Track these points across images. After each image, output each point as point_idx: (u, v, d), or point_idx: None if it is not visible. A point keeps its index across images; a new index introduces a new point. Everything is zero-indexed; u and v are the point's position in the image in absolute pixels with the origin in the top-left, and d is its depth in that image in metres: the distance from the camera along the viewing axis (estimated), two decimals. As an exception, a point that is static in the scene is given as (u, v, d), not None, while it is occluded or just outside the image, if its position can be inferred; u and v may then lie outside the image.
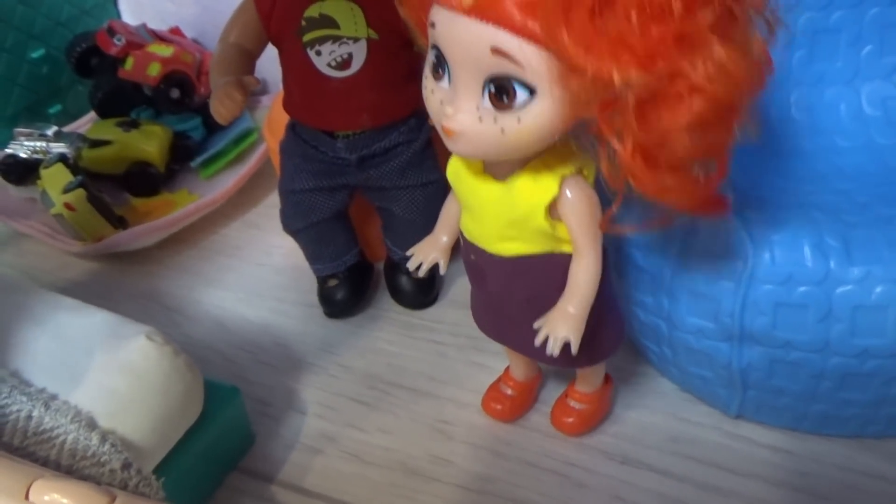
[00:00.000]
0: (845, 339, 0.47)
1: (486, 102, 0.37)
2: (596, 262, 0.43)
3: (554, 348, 0.42)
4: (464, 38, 0.36)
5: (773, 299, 0.47)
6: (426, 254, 0.50)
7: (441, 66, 0.38)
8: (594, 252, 0.42)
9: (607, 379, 0.56)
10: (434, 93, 0.39)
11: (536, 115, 0.36)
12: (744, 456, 0.54)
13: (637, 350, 0.60)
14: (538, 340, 0.43)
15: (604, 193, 0.40)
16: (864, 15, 0.58)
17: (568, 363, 0.49)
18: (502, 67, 0.35)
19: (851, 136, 0.58)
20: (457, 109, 0.37)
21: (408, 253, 0.51)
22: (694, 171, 0.37)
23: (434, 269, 0.50)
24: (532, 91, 0.36)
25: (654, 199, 0.37)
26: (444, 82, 0.38)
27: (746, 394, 0.52)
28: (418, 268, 0.50)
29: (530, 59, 0.35)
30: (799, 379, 0.49)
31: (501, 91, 0.36)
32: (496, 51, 0.35)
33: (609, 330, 0.49)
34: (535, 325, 0.43)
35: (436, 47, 0.38)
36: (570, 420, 0.56)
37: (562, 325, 0.42)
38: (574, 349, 0.42)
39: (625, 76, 0.32)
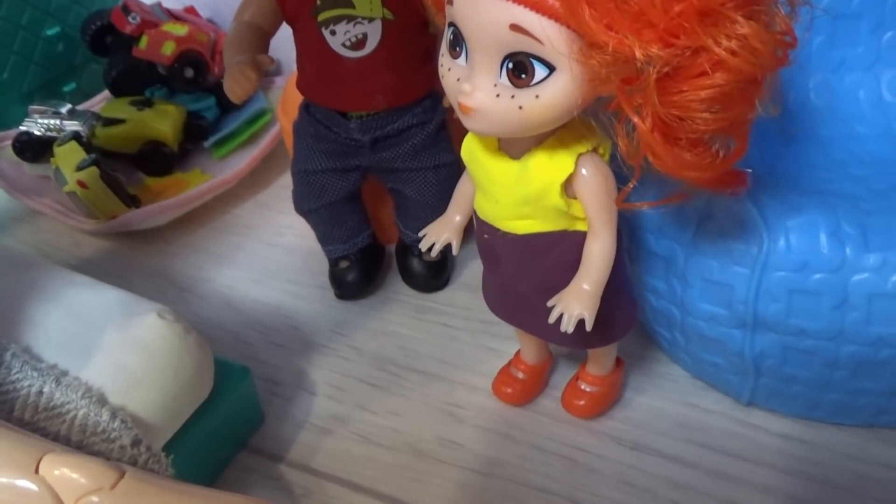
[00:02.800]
0: (860, 328, 0.46)
1: (504, 79, 0.37)
2: (611, 240, 0.43)
3: (568, 325, 0.42)
4: (482, 14, 0.36)
5: (787, 286, 0.47)
6: (439, 234, 0.49)
7: (458, 43, 0.38)
8: (609, 230, 0.42)
9: (618, 362, 0.56)
10: (451, 70, 0.39)
11: (555, 92, 0.36)
12: (755, 444, 0.54)
13: (648, 336, 0.60)
14: (552, 318, 0.43)
15: (620, 171, 0.40)
16: (886, 1, 0.57)
17: (580, 343, 0.49)
18: (521, 44, 0.35)
19: (870, 123, 0.57)
20: (474, 87, 0.37)
21: (420, 233, 0.50)
22: (713, 147, 0.37)
23: (446, 251, 0.50)
24: (551, 68, 0.36)
25: (673, 175, 0.37)
26: (461, 60, 0.38)
27: (759, 381, 0.52)
28: (430, 250, 0.49)
29: (550, 36, 0.34)
30: (812, 367, 0.49)
31: (520, 68, 0.36)
32: (516, 27, 0.35)
33: (622, 311, 0.49)
34: (549, 303, 0.43)
35: (453, 25, 0.38)
36: (581, 403, 0.55)
37: (576, 303, 0.42)
38: (588, 326, 0.42)
39: (647, 52, 0.32)
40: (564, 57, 0.35)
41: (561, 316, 0.42)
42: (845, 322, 0.46)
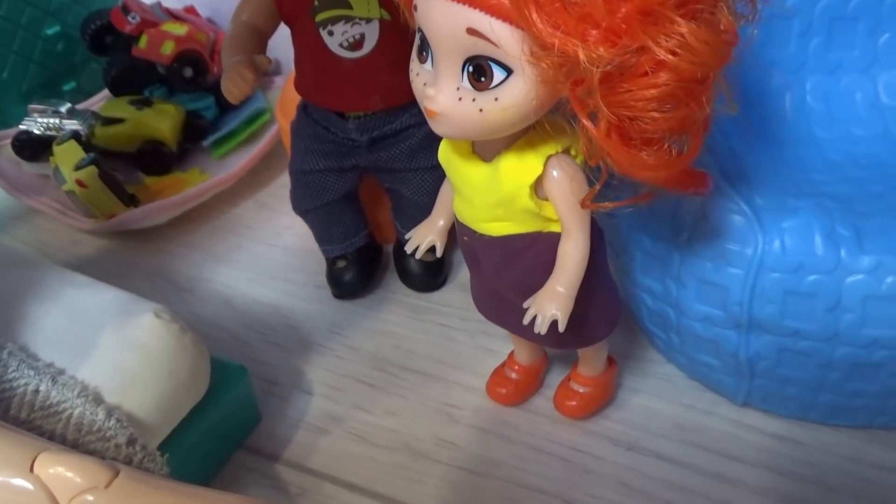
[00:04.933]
0: (854, 329, 0.46)
1: (466, 83, 0.37)
2: (584, 240, 0.43)
3: (541, 327, 0.42)
4: (441, 19, 0.36)
5: (782, 288, 0.47)
6: (423, 236, 0.50)
7: (424, 48, 0.39)
8: (582, 231, 0.42)
9: (611, 362, 0.56)
10: (419, 75, 0.39)
11: (513, 95, 0.37)
12: (750, 445, 0.54)
13: (644, 337, 0.60)
14: (526, 319, 0.43)
15: (593, 171, 0.40)
16: (882, 3, 0.57)
17: (563, 343, 0.49)
18: (479, 48, 0.36)
19: (867, 125, 0.57)
20: (438, 91, 0.38)
21: (406, 236, 0.51)
22: (667, 146, 0.37)
23: (441, 251, 0.50)
24: (508, 70, 0.36)
25: (630, 176, 0.38)
26: (428, 64, 0.39)
27: (754, 382, 0.52)
28: (413, 246, 0.50)
29: (504, 39, 0.35)
30: (807, 368, 0.49)
31: (479, 71, 0.36)
32: (472, 31, 0.35)
33: (603, 311, 0.49)
34: (525, 305, 0.43)
35: (420, 30, 0.38)
36: (573, 403, 0.56)
37: (549, 304, 0.42)
38: (561, 327, 0.42)
39: (591, 53, 0.32)
40: (518, 59, 0.35)
41: (535, 317, 0.43)
42: (840, 324, 0.46)
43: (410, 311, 0.67)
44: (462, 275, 0.70)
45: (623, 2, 0.32)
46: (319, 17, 0.57)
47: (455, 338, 0.64)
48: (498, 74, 0.36)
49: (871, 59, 0.58)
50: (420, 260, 0.67)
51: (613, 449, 0.54)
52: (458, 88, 0.37)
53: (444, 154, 0.45)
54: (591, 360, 0.54)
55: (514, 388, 0.57)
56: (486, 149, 0.43)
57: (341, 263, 0.68)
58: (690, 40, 0.33)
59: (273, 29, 0.59)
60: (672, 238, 0.51)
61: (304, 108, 0.64)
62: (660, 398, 0.57)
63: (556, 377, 0.59)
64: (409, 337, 0.65)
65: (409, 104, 0.61)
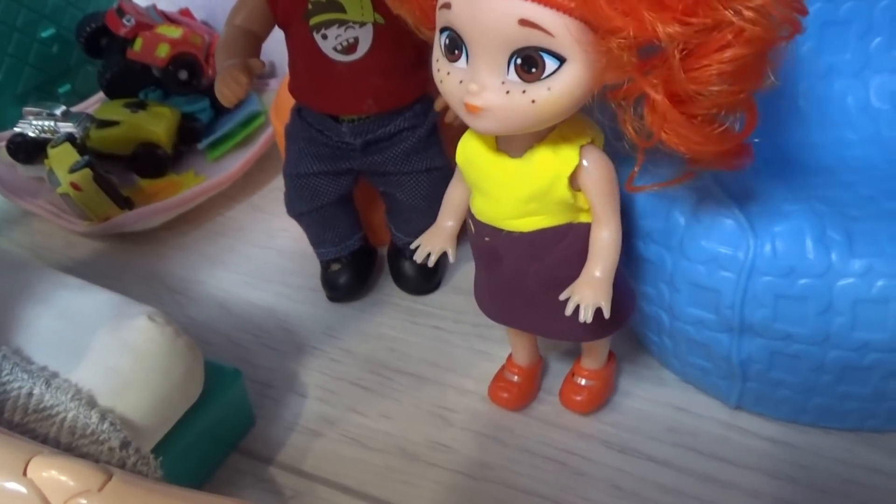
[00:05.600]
0: (845, 333, 0.46)
1: (513, 75, 0.37)
2: (617, 227, 0.43)
3: (587, 315, 0.42)
4: (488, 13, 0.36)
5: (773, 291, 0.47)
6: (433, 244, 0.49)
7: (457, 46, 0.38)
8: (615, 218, 0.43)
9: (611, 356, 0.56)
10: (451, 74, 0.39)
11: (567, 82, 0.37)
12: (743, 447, 0.54)
13: (638, 340, 0.60)
14: (569, 309, 0.43)
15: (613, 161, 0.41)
16: (874, 6, 0.57)
17: (586, 334, 0.49)
18: (531, 39, 0.36)
19: (859, 128, 0.58)
20: (482, 86, 0.38)
21: (413, 245, 0.50)
22: (726, 122, 0.38)
23: (454, 257, 0.50)
24: (561, 59, 0.36)
25: (686, 151, 0.38)
26: (461, 62, 0.38)
27: (746, 385, 0.52)
28: (423, 254, 0.50)
29: (561, 28, 0.35)
30: (799, 371, 0.49)
31: (529, 62, 0.36)
32: (525, 22, 0.35)
33: (623, 298, 0.49)
34: (562, 297, 0.43)
35: (448, 29, 0.38)
36: (580, 397, 0.56)
37: (590, 291, 0.43)
38: (606, 313, 0.43)
39: (667, 32, 0.33)
40: (576, 47, 0.35)
41: (577, 308, 0.43)
42: (831, 327, 0.47)
43: (405, 313, 0.67)
44: (456, 277, 0.70)
45: None
46: (313, 21, 0.57)
47: (449, 340, 0.64)
48: (550, 64, 0.36)
49: (863, 62, 0.58)
50: (414, 263, 0.67)
51: (606, 452, 0.54)
52: (503, 82, 0.37)
53: (465, 154, 0.45)
54: (596, 354, 0.55)
55: (516, 392, 0.57)
56: (514, 144, 0.43)
57: (336, 266, 0.68)
58: (770, 8, 0.33)
59: (267, 32, 0.59)
60: (665, 242, 0.51)
61: (298, 112, 0.64)
62: (653, 401, 0.57)
63: (550, 382, 0.59)
64: (403, 340, 0.65)
65: (403, 108, 0.61)
